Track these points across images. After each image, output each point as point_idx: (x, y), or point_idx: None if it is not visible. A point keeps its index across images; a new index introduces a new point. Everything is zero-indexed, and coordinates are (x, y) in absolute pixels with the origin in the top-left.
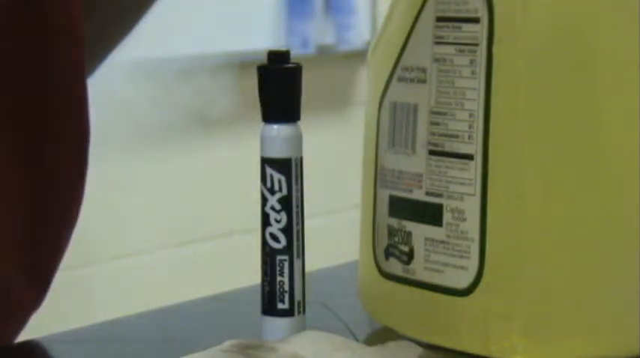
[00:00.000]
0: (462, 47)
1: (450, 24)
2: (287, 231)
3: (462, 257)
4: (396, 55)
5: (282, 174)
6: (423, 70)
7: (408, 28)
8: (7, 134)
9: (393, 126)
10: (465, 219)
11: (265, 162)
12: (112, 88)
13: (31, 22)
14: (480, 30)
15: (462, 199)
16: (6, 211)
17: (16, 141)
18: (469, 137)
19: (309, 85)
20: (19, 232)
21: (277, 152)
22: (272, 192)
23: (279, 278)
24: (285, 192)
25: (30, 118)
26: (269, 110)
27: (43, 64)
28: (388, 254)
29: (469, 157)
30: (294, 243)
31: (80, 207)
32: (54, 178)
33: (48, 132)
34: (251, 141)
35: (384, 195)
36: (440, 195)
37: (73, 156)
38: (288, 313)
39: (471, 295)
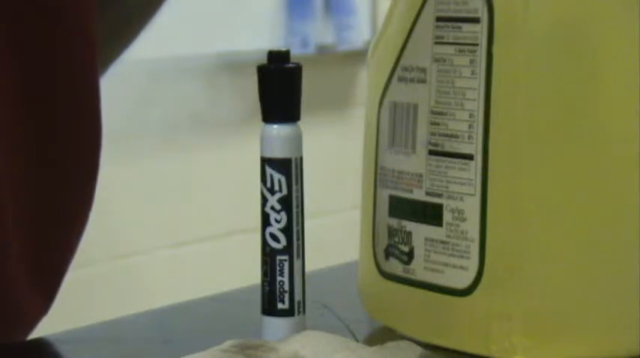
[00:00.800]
0: (462, 47)
1: (449, 24)
2: (287, 231)
3: (462, 257)
4: (396, 55)
5: (282, 174)
6: (423, 70)
7: (408, 28)
8: (17, 133)
9: (393, 126)
10: (465, 219)
11: (265, 162)
12: (111, 87)
13: (43, 20)
14: (480, 30)
15: (462, 199)
16: (16, 212)
17: (27, 141)
18: (469, 137)
19: (309, 85)
20: (29, 234)
21: (277, 152)
22: (272, 192)
23: (279, 278)
24: (285, 192)
25: (40, 118)
26: (269, 110)
27: (54, 63)
28: (388, 254)
29: (469, 157)
30: (294, 243)
31: (90, 210)
32: (64, 179)
33: (58, 132)
34: (251, 141)
35: (384, 195)
36: (440, 195)
37: (85, 157)
38: (288, 313)
39: (471, 295)
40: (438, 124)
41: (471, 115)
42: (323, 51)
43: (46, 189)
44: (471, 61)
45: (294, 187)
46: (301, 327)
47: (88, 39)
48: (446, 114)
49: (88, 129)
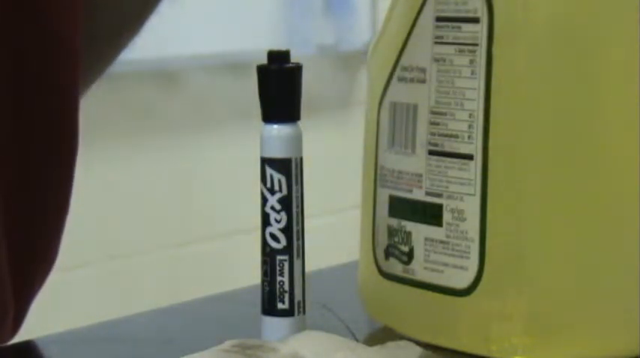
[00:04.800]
0: (462, 47)
1: (449, 24)
2: (287, 231)
3: (461, 257)
4: (395, 55)
5: (282, 174)
6: (423, 70)
7: (408, 28)
8: None
9: (393, 126)
10: (464, 219)
11: (265, 162)
12: (111, 87)
13: (28, 32)
14: (480, 30)
15: (461, 199)
16: None
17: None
18: (469, 137)
19: (309, 85)
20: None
21: (277, 152)
22: (272, 192)
23: (279, 278)
24: (285, 192)
25: (17, 129)
26: (269, 110)
27: (35, 74)
28: (388, 254)
29: (469, 157)
30: (294, 243)
31: (66, 213)
32: (38, 180)
33: (35, 144)
34: (251, 141)
35: (384, 195)
36: (440, 195)
37: (59, 161)
38: (288, 313)
39: (471, 295)
40: (437, 124)
41: (470, 115)
42: (323, 51)
43: (18, 190)
44: (471, 61)
45: (294, 187)
46: (301, 327)
47: (70, 48)
48: (446, 114)
49: (64, 135)
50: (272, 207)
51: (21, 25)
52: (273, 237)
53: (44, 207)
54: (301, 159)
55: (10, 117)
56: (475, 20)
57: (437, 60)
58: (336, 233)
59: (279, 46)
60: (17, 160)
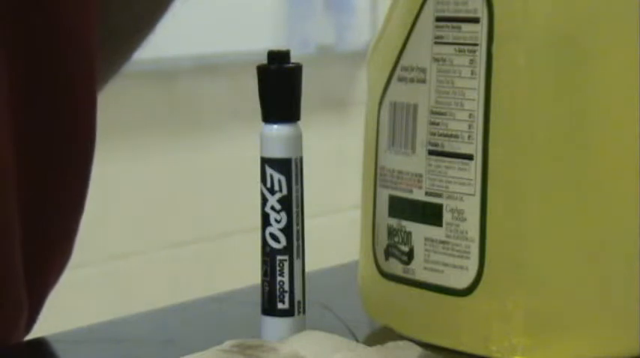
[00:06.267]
0: (462, 47)
1: (449, 24)
2: (287, 231)
3: (461, 257)
4: (395, 55)
5: (282, 174)
6: (423, 70)
7: (408, 28)
8: (8, 134)
9: (393, 126)
10: (464, 219)
11: (265, 162)
12: (111, 87)
13: (43, 27)
14: (480, 30)
15: (461, 199)
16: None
17: (18, 142)
18: (469, 137)
19: (309, 85)
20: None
21: (277, 152)
22: (272, 192)
23: (279, 278)
24: (285, 192)
25: (31, 127)
26: (269, 110)
27: (50, 74)
28: (388, 254)
29: (469, 157)
30: (294, 243)
31: (81, 214)
32: (56, 181)
33: (51, 143)
34: (251, 141)
35: (384, 195)
36: (440, 195)
37: (77, 161)
38: (288, 313)
39: (471, 295)
40: (437, 124)
41: (470, 115)
42: (323, 51)
43: (34, 189)
44: (471, 61)
45: (294, 187)
46: (301, 327)
47: (85, 47)
48: (446, 114)
49: (81, 133)
50: (272, 207)
51: (31, 25)
52: (273, 237)
53: (60, 206)
54: (301, 159)
55: (25, 117)
56: (475, 20)
57: (437, 60)
58: (336, 233)
59: (279, 46)
60: (33, 159)
